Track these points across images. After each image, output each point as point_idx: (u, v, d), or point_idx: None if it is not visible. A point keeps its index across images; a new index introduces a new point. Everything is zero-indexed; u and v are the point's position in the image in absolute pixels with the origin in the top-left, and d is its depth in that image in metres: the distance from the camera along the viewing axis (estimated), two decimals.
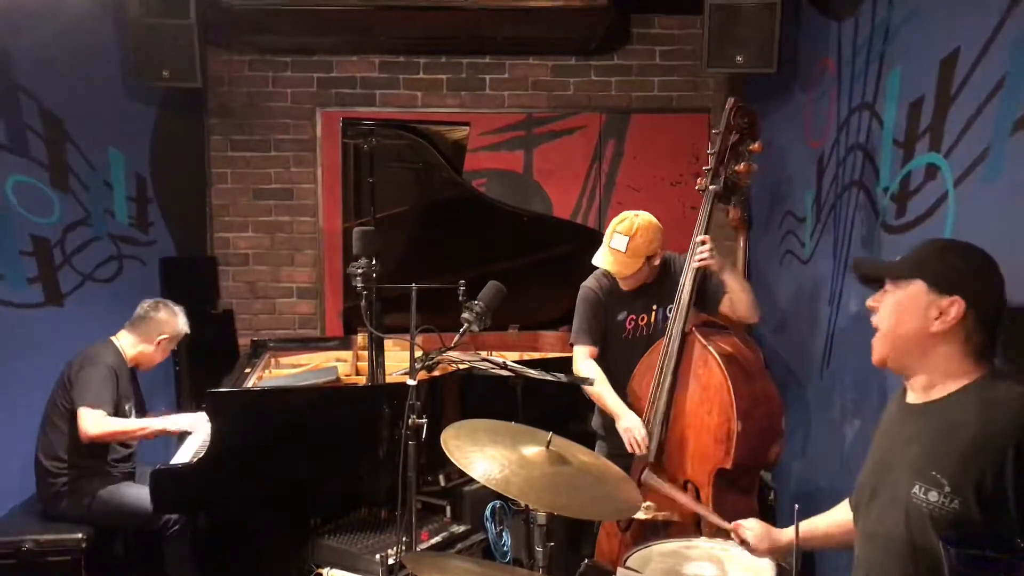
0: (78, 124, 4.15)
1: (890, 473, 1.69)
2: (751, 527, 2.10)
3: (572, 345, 3.24)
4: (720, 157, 2.94)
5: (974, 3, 2.47)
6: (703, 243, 2.90)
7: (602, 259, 3.07)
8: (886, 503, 1.69)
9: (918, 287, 1.67)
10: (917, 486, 1.60)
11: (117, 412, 3.44)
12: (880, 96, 3.10)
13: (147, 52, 4.14)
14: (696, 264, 2.90)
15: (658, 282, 3.17)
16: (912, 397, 1.73)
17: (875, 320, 1.75)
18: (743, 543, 2.10)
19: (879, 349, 1.75)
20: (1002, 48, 2.33)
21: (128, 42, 4.20)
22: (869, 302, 1.77)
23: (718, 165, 2.95)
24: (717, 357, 2.78)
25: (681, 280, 2.95)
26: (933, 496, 1.57)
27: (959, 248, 1.73)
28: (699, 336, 2.86)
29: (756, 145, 2.96)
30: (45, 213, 4.01)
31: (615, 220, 3.09)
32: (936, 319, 1.64)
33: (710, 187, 2.97)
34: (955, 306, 1.62)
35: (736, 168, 2.94)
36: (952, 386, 1.65)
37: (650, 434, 2.91)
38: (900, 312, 1.69)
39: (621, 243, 3.01)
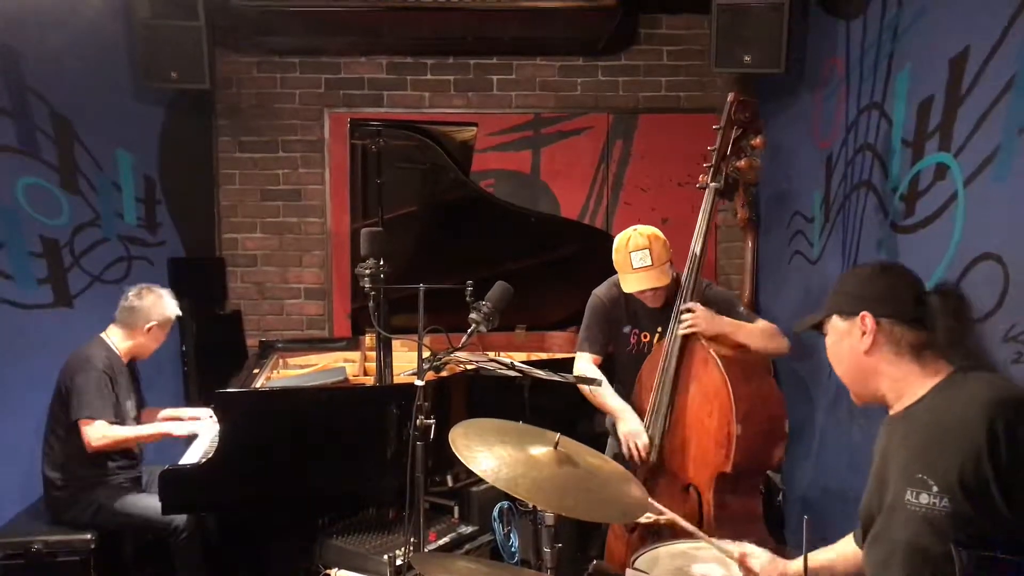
0: (87, 126, 4.17)
1: (886, 487, 1.71)
2: (758, 556, 2.08)
3: (576, 351, 3.23)
4: (721, 153, 2.89)
5: (983, 2, 2.46)
6: (688, 311, 2.83)
7: (634, 283, 2.96)
8: (885, 515, 1.69)
9: (834, 323, 1.81)
10: (909, 491, 1.62)
11: (117, 413, 3.41)
12: (889, 96, 3.09)
13: (155, 54, 4.16)
14: (681, 332, 2.85)
15: (668, 305, 3.03)
16: (891, 410, 1.78)
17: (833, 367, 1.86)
18: (749, 572, 2.08)
19: (851, 393, 1.85)
20: (1012, 48, 2.32)
21: (136, 44, 4.22)
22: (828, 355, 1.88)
23: (719, 161, 2.90)
24: (717, 359, 2.76)
25: (670, 328, 2.89)
26: (924, 498, 1.58)
27: (854, 271, 1.89)
28: (700, 339, 2.83)
29: (758, 140, 2.90)
30: (54, 214, 4.03)
31: (620, 245, 3.00)
32: (860, 339, 1.74)
33: (711, 184, 2.92)
34: (866, 319, 1.73)
35: (737, 164, 2.89)
36: (921, 389, 1.70)
37: (650, 437, 2.89)
38: (836, 353, 1.82)
39: (645, 258, 2.93)
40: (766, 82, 4.36)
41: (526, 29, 4.58)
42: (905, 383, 1.72)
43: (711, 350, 2.79)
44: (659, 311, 3.09)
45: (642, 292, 3.00)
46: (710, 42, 4.07)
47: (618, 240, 3.04)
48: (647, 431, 2.90)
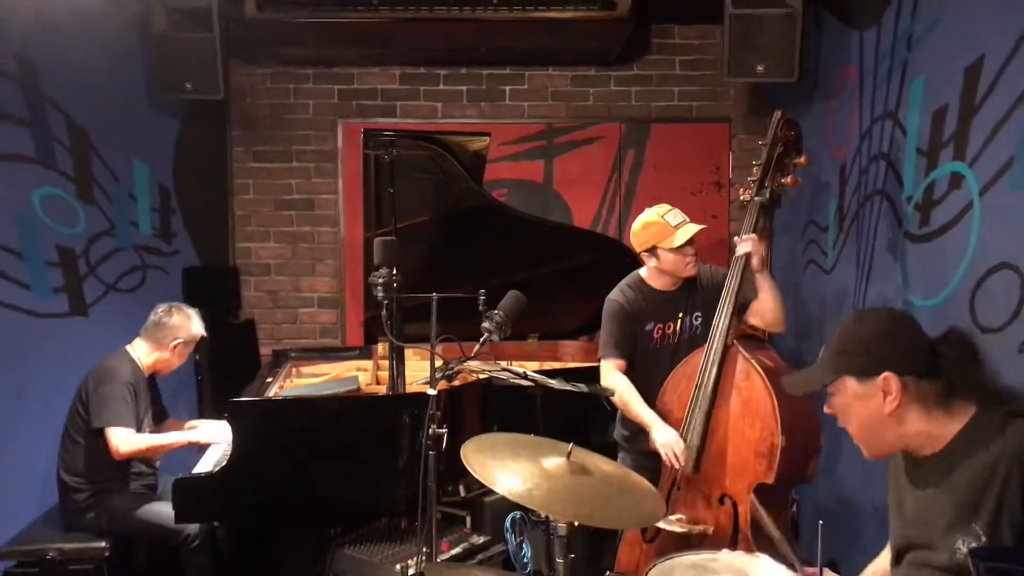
0: (103, 136, 4.19)
1: (926, 530, 1.68)
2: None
3: (600, 359, 3.22)
4: (766, 169, 2.94)
5: (998, 11, 2.45)
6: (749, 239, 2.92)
7: (686, 232, 3.05)
8: (928, 561, 1.67)
9: (849, 384, 1.71)
10: (960, 541, 1.59)
11: (137, 425, 3.44)
12: (903, 105, 3.07)
13: (171, 65, 4.19)
14: (738, 252, 2.90)
15: (684, 289, 3.17)
16: (918, 453, 1.72)
17: (841, 424, 1.78)
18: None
19: (864, 450, 1.77)
20: None
21: (152, 55, 4.25)
22: (825, 409, 1.80)
23: (764, 177, 2.95)
24: (760, 371, 2.75)
25: (726, 283, 2.93)
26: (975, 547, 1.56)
27: (857, 326, 1.77)
28: (741, 350, 2.84)
29: (802, 159, 2.97)
30: (70, 224, 4.06)
31: (648, 220, 3.11)
32: (884, 401, 1.66)
33: (756, 199, 2.96)
34: (891, 382, 1.64)
35: (783, 181, 2.94)
36: (950, 432, 1.65)
37: (687, 446, 2.88)
38: (852, 414, 1.73)
39: (678, 215, 3.10)
40: (779, 91, 4.35)
41: (538, 39, 4.58)
42: (933, 433, 1.66)
43: (754, 362, 2.78)
44: (674, 297, 3.16)
45: (689, 245, 3.08)
46: (723, 52, 4.07)
47: (642, 220, 3.13)
48: (683, 440, 2.89)
